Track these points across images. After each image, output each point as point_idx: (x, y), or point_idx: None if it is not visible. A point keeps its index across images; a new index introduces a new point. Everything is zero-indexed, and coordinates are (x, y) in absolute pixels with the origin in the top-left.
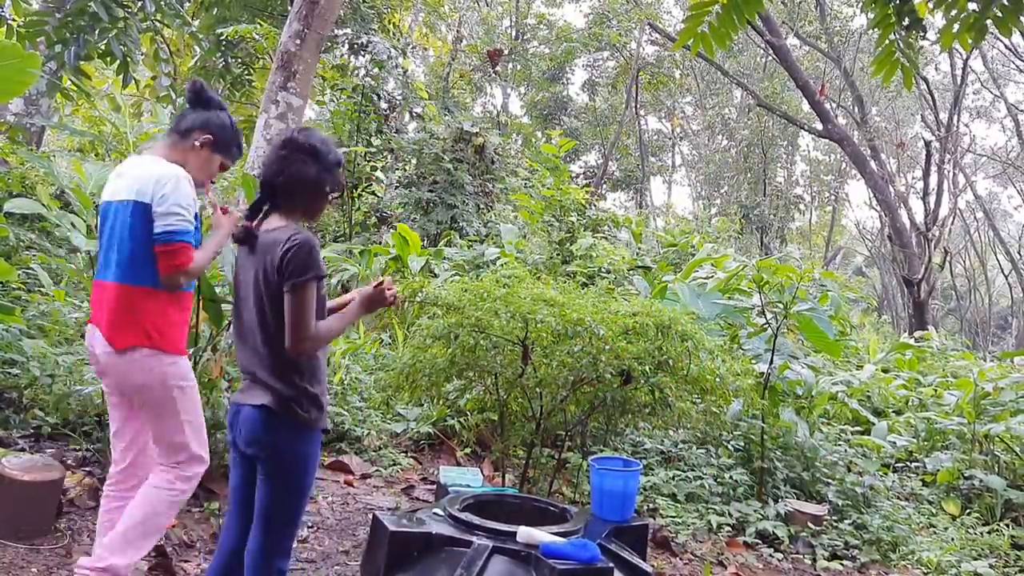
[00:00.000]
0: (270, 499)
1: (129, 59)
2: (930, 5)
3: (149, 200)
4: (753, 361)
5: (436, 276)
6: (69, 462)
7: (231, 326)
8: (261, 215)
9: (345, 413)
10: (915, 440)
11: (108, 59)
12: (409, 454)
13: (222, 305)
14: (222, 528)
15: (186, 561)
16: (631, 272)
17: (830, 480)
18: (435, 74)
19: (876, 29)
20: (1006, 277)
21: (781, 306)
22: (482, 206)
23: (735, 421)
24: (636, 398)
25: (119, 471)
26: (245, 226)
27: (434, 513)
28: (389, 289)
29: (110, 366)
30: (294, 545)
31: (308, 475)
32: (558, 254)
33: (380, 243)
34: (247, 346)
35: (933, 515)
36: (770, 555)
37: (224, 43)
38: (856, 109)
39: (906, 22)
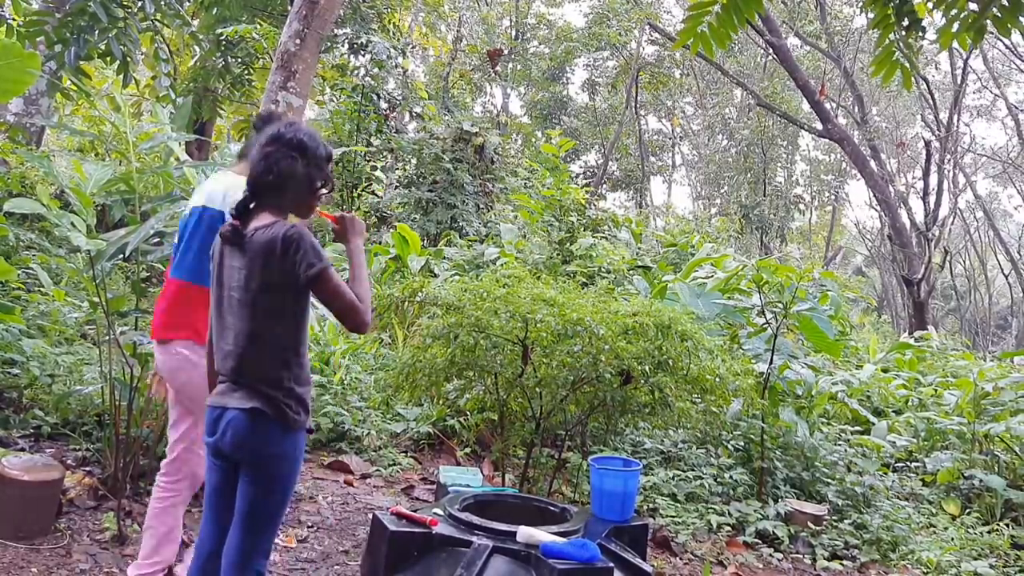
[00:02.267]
0: (255, 501)
1: (129, 59)
2: (929, 5)
3: (219, 207)
4: (753, 361)
5: (436, 276)
6: (69, 462)
7: (211, 328)
8: (247, 214)
9: (345, 413)
10: (915, 440)
11: (108, 59)
12: (409, 454)
13: None
14: (199, 534)
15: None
16: (631, 272)
17: (830, 480)
18: (435, 74)
19: (876, 29)
20: (1006, 277)
21: (781, 306)
22: (482, 206)
23: (735, 421)
24: (636, 398)
25: (167, 462)
26: (233, 225)
27: (434, 513)
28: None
29: (158, 359)
30: (293, 545)
31: (294, 476)
32: (558, 254)
33: (380, 243)
34: (231, 348)
35: (933, 515)
36: (770, 555)
37: (224, 43)
38: (856, 109)
39: (906, 22)
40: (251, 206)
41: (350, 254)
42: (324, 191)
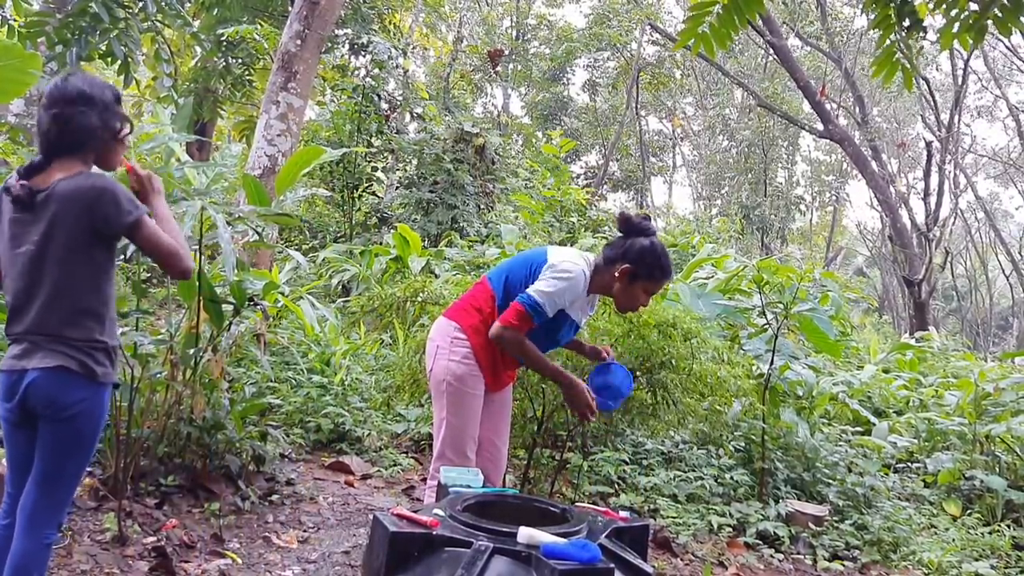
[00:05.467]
0: (60, 461)
1: (130, 59)
2: (930, 6)
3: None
4: (754, 362)
5: (437, 276)
6: None
7: (16, 289)
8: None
9: (346, 414)
10: (916, 441)
11: (109, 59)
12: (410, 454)
13: (222, 305)
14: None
15: (186, 561)
16: None
17: (831, 481)
18: (435, 74)
19: (877, 30)
20: (1007, 277)
21: (782, 306)
22: (483, 206)
23: (736, 422)
24: (638, 397)
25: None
26: (26, 185)
27: (435, 514)
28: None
29: None
30: (294, 545)
31: (99, 433)
32: None
33: (381, 243)
34: (31, 308)
35: (934, 516)
36: (771, 556)
37: (225, 43)
38: (857, 109)
39: (906, 23)
40: (45, 166)
41: (154, 211)
42: (126, 133)
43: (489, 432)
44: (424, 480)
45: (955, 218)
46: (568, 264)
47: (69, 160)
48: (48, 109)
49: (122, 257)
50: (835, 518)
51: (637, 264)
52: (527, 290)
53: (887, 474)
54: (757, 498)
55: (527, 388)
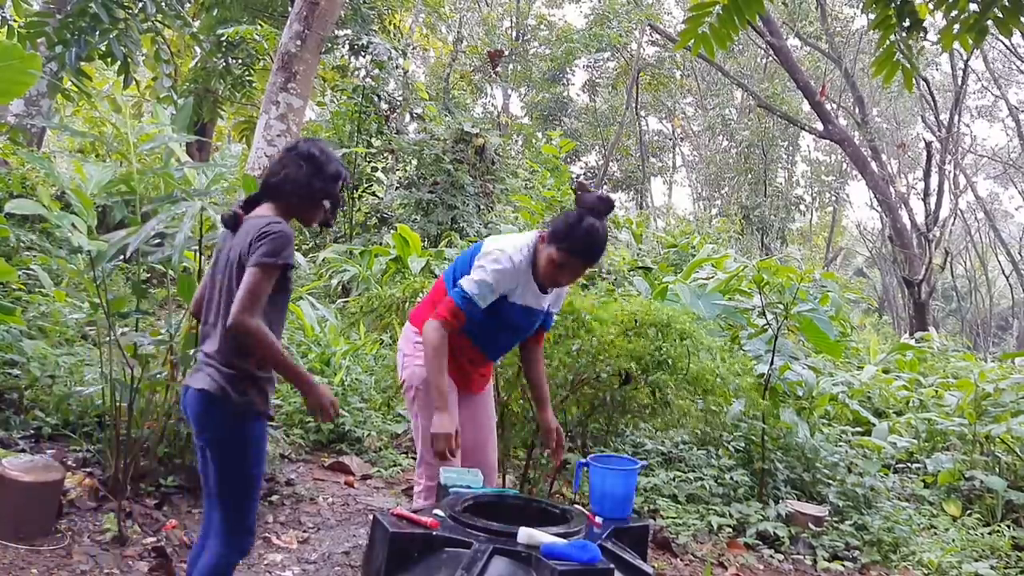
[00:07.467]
0: (216, 481)
1: (130, 60)
2: (931, 6)
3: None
4: (754, 362)
5: (437, 277)
6: (69, 463)
7: (204, 311)
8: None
9: (345, 414)
10: (916, 441)
11: (109, 60)
12: (409, 455)
13: None
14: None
15: (186, 562)
16: (632, 273)
17: (831, 481)
18: (435, 75)
19: (877, 30)
20: (1007, 278)
21: (782, 307)
22: (482, 207)
23: (736, 422)
24: (636, 398)
25: None
26: (235, 212)
27: (435, 514)
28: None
29: None
30: (294, 546)
31: (251, 460)
32: None
33: (380, 244)
34: (210, 330)
35: (934, 516)
36: (771, 556)
37: (225, 44)
38: (857, 110)
39: (907, 23)
40: (257, 203)
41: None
42: (327, 205)
43: (471, 436)
44: None
45: (955, 218)
46: (497, 252)
47: (274, 203)
48: (285, 152)
49: (122, 257)
50: (835, 518)
51: (555, 228)
52: (459, 282)
53: (887, 474)
54: (757, 498)
55: (525, 389)
